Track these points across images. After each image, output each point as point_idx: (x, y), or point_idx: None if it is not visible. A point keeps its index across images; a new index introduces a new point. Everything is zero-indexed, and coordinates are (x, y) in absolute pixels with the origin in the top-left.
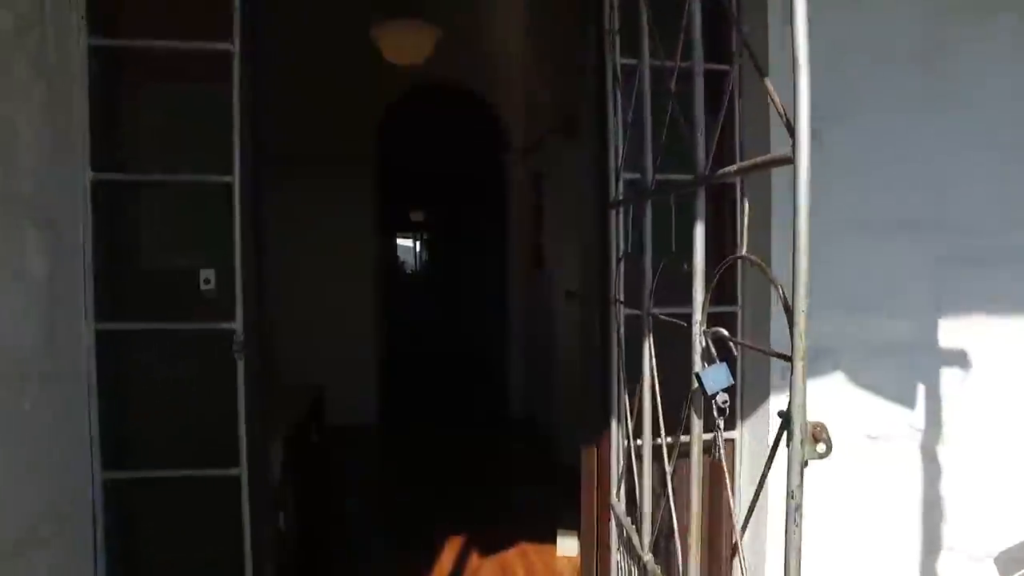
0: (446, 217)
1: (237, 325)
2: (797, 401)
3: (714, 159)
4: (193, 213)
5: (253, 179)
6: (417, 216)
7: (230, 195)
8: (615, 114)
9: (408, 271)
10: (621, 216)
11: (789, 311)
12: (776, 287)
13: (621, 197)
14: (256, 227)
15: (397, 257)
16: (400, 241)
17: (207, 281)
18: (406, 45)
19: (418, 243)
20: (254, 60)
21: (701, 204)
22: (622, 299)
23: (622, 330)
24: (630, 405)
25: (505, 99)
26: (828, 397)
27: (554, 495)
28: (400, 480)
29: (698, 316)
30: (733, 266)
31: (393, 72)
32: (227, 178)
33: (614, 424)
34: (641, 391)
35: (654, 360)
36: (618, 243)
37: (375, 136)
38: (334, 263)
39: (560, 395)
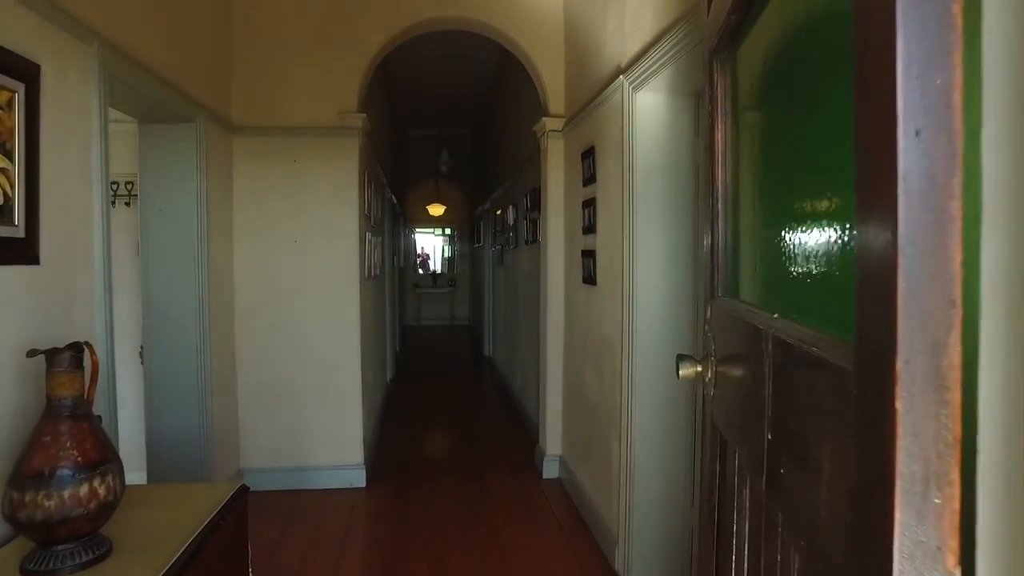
0: (469, 206)
1: None
2: None
3: None
4: None
5: None
6: (436, 210)
7: None
8: None
9: (431, 271)
10: None
11: None
12: None
13: None
14: None
15: (415, 256)
16: (422, 236)
17: None
18: None
19: (441, 238)
20: None
21: None
22: None
23: None
24: None
25: (538, 45)
26: None
27: None
28: None
29: None
30: None
31: (387, 9)
32: None
33: None
34: None
35: None
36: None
37: (359, 97)
38: (308, 266)
39: (619, 475)
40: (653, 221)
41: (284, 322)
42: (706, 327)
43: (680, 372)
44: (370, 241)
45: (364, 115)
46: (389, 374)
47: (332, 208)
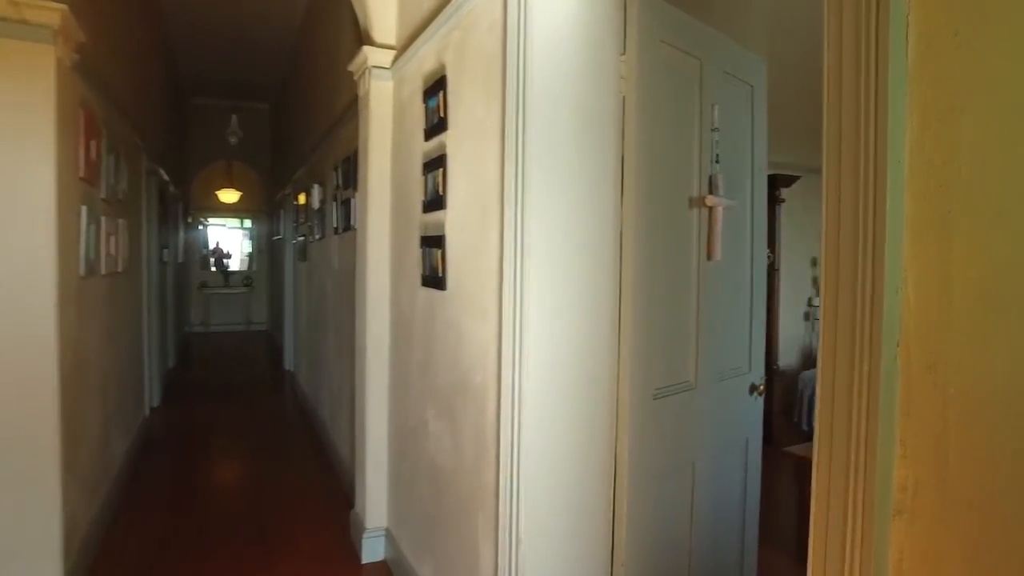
0: (269, 193)
1: None
2: None
3: None
4: None
5: None
6: (229, 196)
7: None
8: None
9: (226, 267)
10: None
11: None
12: None
13: None
14: None
15: (207, 250)
16: (217, 228)
17: None
18: None
19: (240, 231)
20: None
21: None
22: None
23: None
24: None
25: None
26: None
27: None
28: None
29: None
30: None
31: None
32: None
33: None
34: None
35: None
36: None
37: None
38: None
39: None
40: (554, 183)
41: None
42: None
43: None
44: (102, 222)
45: (64, 7)
46: (152, 401)
47: (4, 161)
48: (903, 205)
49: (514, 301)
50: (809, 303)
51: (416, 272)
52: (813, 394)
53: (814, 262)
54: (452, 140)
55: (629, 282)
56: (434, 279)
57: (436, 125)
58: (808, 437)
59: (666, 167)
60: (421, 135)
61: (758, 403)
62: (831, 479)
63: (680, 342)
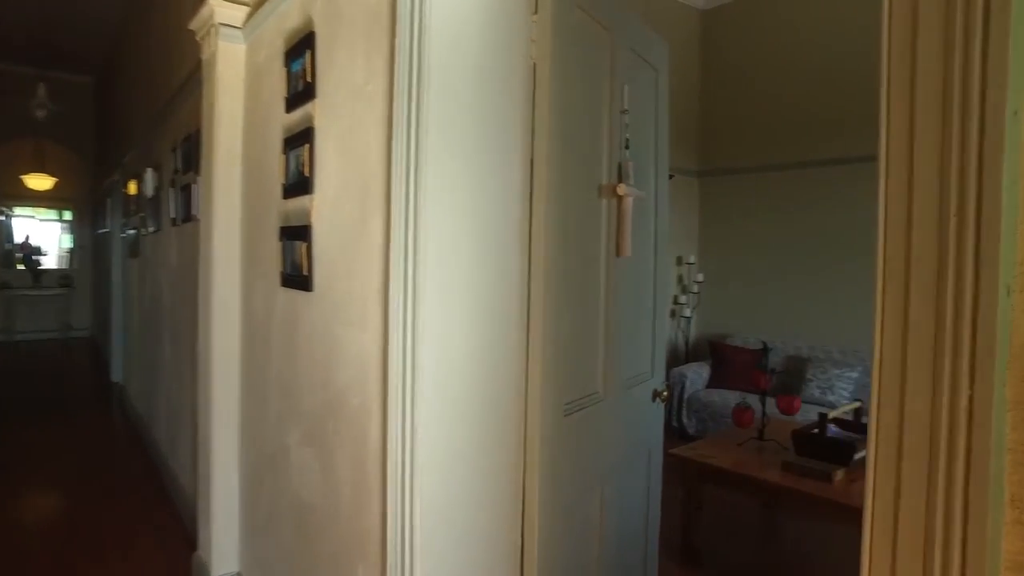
0: (94, 180)
1: None
2: None
3: None
4: None
5: None
6: (40, 183)
7: None
8: None
9: (36, 263)
10: None
11: None
12: None
13: None
14: None
15: (9, 245)
16: (25, 220)
17: None
18: None
19: (59, 223)
20: None
21: None
22: None
23: None
24: None
25: None
26: None
27: None
28: None
29: None
30: None
31: None
32: None
33: None
34: None
35: None
36: None
37: None
38: None
39: None
40: (456, 162)
41: None
42: None
43: None
44: None
45: None
46: None
47: None
48: (1019, 174)
49: (404, 305)
50: (675, 301)
51: (275, 270)
52: (683, 390)
53: (679, 260)
54: (322, 110)
55: (539, 280)
56: (298, 278)
57: (301, 93)
58: (682, 435)
59: (577, 150)
60: (282, 105)
61: (660, 410)
62: (897, 553)
63: (589, 348)
